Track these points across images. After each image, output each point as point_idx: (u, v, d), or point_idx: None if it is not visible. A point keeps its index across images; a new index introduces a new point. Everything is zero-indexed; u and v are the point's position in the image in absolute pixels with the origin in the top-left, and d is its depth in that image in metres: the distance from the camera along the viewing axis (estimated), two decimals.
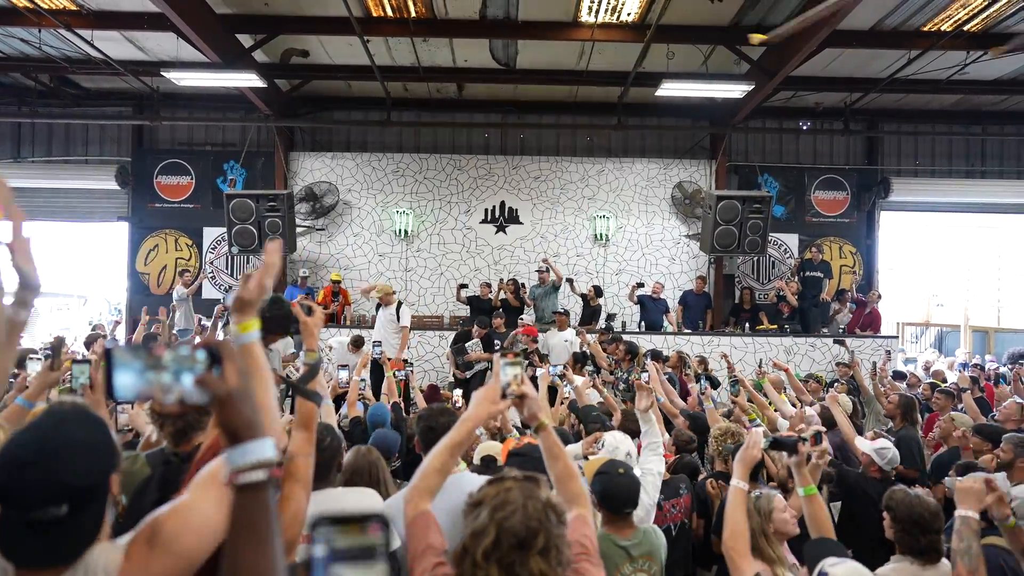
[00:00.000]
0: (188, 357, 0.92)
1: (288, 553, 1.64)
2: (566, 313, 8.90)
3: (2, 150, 10.90)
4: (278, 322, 1.76)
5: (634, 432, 3.44)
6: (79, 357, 2.94)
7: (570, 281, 10.00)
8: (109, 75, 9.55)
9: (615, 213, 11.16)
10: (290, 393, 7.25)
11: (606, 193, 11.20)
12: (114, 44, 8.74)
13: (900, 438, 4.31)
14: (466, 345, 7.97)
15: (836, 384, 6.88)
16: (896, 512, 2.55)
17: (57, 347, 2.47)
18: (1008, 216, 11.90)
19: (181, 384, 0.92)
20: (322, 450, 2.13)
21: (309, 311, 1.87)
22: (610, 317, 9.55)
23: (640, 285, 10.09)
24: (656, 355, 6.72)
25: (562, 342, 8.14)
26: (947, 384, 6.80)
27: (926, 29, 8.25)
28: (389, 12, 8.07)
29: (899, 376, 7.92)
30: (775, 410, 4.81)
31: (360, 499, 2.28)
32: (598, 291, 9.84)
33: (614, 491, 2.47)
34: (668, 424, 4.52)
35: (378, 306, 8.46)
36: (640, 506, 2.62)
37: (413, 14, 8.09)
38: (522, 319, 9.35)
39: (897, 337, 11.32)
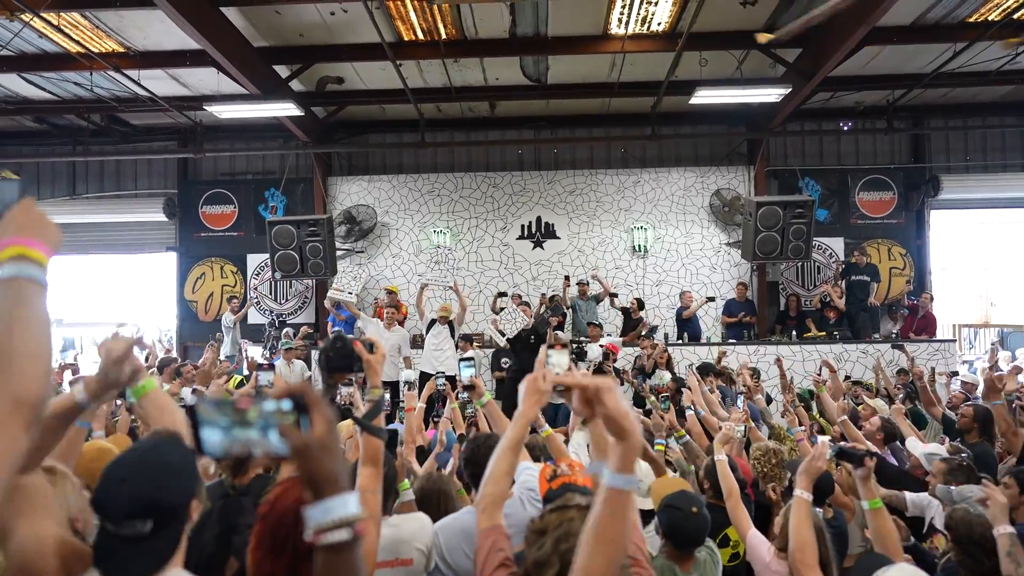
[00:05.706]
0: (275, 411, 0.88)
1: None
2: (600, 326, 8.95)
3: (60, 188, 11.44)
4: (341, 360, 1.75)
5: None
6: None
7: (613, 296, 9.90)
8: (155, 111, 9.94)
9: (653, 224, 11.03)
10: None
11: (643, 204, 11.08)
12: (159, 82, 9.11)
13: (974, 454, 3.97)
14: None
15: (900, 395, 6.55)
16: (956, 532, 2.44)
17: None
18: None
19: (268, 439, 0.88)
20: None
21: (371, 348, 1.86)
22: (652, 329, 9.40)
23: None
24: (707, 369, 6.53)
25: (596, 353, 8.05)
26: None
27: (972, 20, 7.97)
28: (420, 36, 8.19)
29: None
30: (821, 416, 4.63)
31: (414, 526, 2.29)
32: (640, 304, 9.72)
33: (685, 531, 2.37)
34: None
35: (432, 323, 8.20)
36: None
37: (444, 36, 8.19)
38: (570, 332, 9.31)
39: (954, 340, 10.83)
